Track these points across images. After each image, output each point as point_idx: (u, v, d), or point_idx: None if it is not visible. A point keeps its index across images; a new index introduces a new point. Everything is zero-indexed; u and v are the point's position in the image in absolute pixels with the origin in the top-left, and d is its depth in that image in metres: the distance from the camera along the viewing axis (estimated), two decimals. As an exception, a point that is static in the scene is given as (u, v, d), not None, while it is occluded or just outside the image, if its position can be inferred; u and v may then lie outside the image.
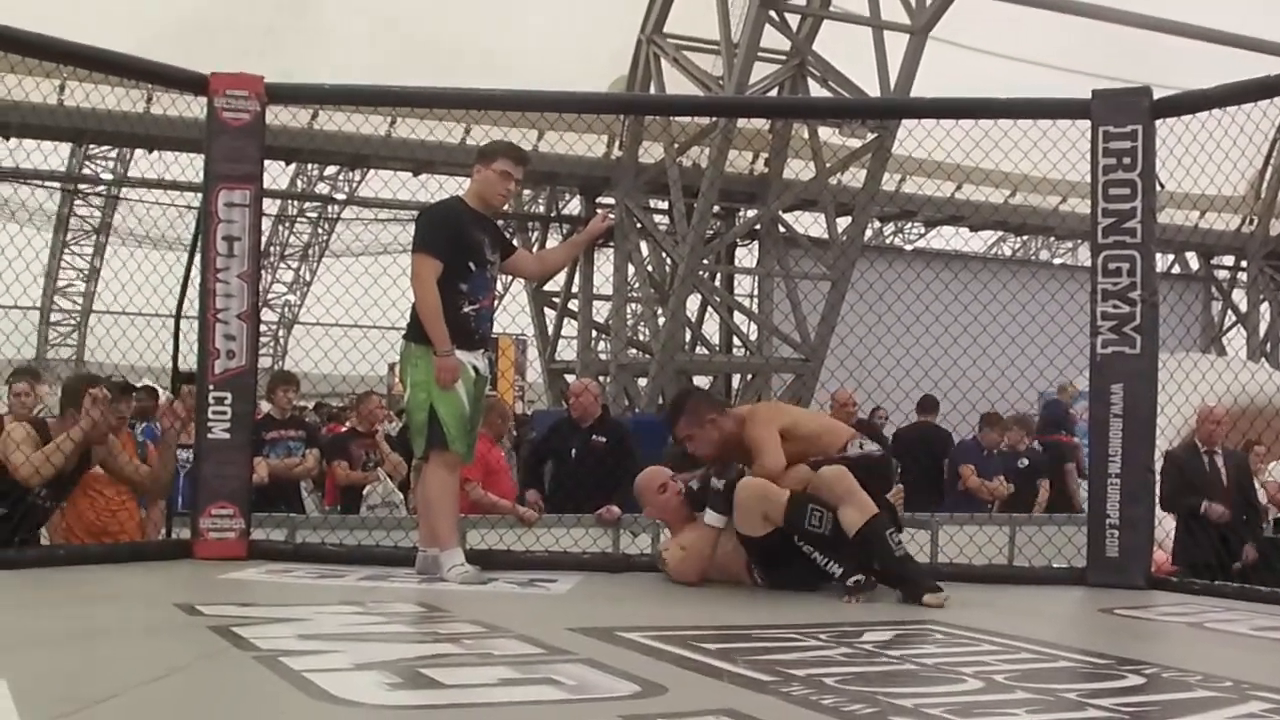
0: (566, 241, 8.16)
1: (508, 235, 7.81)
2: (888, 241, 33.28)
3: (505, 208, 8.45)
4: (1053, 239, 34.90)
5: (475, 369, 7.20)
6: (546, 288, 28.16)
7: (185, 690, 4.08)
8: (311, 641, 4.95)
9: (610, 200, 25.97)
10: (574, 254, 8.27)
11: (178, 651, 4.79)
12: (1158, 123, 7.71)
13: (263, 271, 7.89)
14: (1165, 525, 10.93)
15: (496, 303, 7.88)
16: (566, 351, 28.25)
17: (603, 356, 26.80)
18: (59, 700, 3.76)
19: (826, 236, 25.23)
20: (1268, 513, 12.62)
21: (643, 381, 25.43)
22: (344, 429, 13.20)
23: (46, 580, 6.85)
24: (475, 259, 7.20)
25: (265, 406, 10.84)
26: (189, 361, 8.12)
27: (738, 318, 26.06)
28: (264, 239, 8.22)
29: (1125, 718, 3.99)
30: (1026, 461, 13.87)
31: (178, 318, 8.25)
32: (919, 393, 11.19)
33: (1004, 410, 12.96)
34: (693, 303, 25.56)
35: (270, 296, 34.31)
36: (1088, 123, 7.80)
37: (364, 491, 11.53)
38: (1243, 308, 34.10)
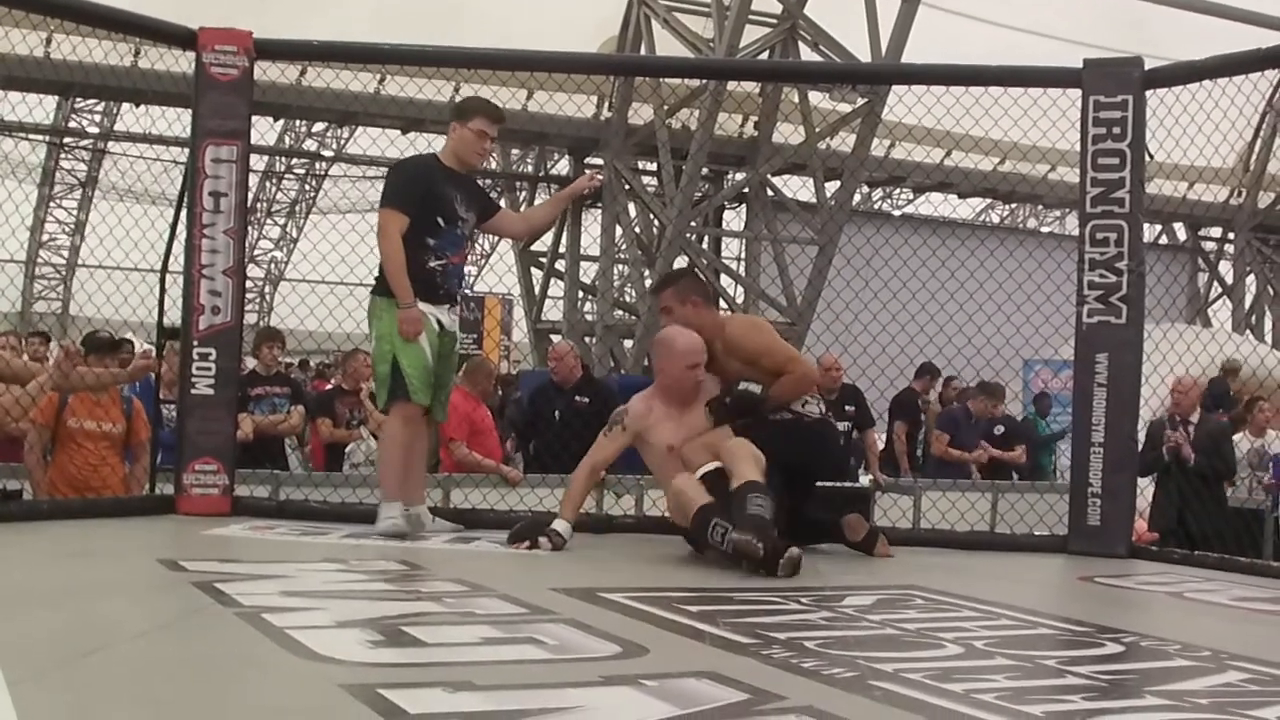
0: (551, 198, 8.15)
1: (489, 194, 7.77)
2: (876, 207, 33.28)
3: (490, 165, 8.44)
4: (1041, 207, 34.94)
5: (440, 323, 7.22)
6: (534, 248, 28.16)
7: (168, 646, 4.08)
8: (294, 598, 4.96)
9: (599, 161, 25.94)
10: (559, 210, 8.27)
11: (161, 607, 4.79)
12: (1148, 93, 7.71)
13: (249, 228, 7.87)
14: (1147, 494, 10.99)
15: (484, 261, 7.89)
16: (553, 311, 28.26)
17: (589, 317, 26.80)
18: (43, 655, 3.76)
19: (815, 201, 25.23)
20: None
21: (628, 343, 25.45)
22: (329, 386, 13.21)
23: (30, 534, 6.84)
24: (445, 215, 7.21)
25: (251, 363, 10.84)
26: (173, 317, 8.11)
27: (725, 281, 26.05)
28: (251, 195, 8.20)
29: (1104, 685, 4.01)
30: (1003, 428, 14.00)
31: (163, 273, 8.24)
32: (904, 359, 11.19)
33: (989, 378, 13.01)
34: (680, 265, 25.55)
35: (256, 253, 34.29)
36: (1078, 92, 7.79)
37: (347, 449, 11.54)
38: (1229, 280, 34.16)
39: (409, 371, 7.09)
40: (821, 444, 7.30)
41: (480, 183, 7.86)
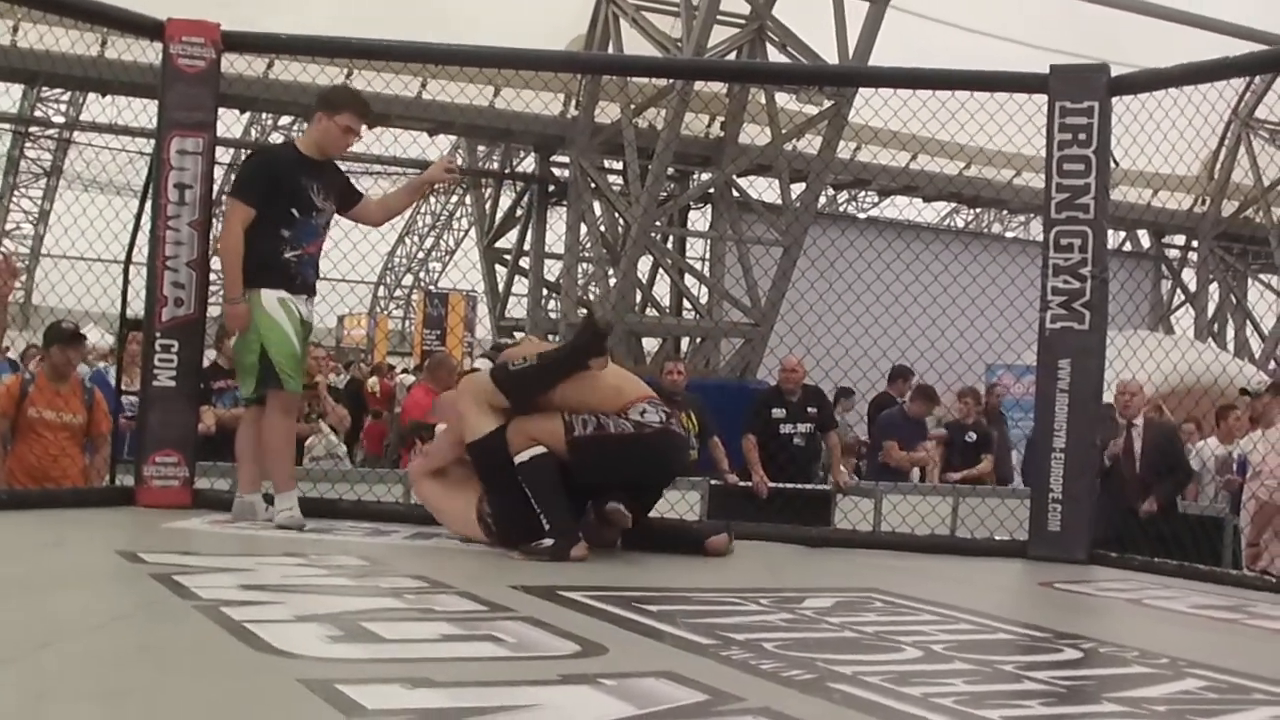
0: (406, 184, 8.14)
1: (350, 181, 7.76)
2: (841, 209, 33.37)
3: (458, 163, 8.43)
4: (1005, 212, 35.08)
5: (299, 311, 7.22)
6: (499, 245, 28.11)
7: (126, 638, 4.07)
8: (253, 592, 4.95)
9: (565, 159, 25.92)
10: (414, 198, 8.25)
11: (119, 599, 4.78)
12: (1114, 100, 7.73)
13: (214, 220, 7.83)
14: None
15: (449, 258, 7.88)
16: (517, 309, 28.21)
17: (553, 315, 26.76)
18: (2, 645, 3.74)
19: (780, 202, 25.23)
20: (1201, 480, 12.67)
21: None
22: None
23: (-13, 524, 6.81)
24: (299, 206, 7.18)
25: (213, 355, 10.78)
26: (136, 308, 8.08)
27: (689, 280, 26.05)
28: (216, 188, 8.16)
29: (1061, 691, 4.03)
30: (974, 435, 13.90)
31: (127, 264, 8.21)
32: (867, 361, 11.22)
33: (951, 381, 13.04)
34: (644, 264, 25.56)
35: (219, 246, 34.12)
36: (1044, 97, 7.80)
37: (307, 443, 11.49)
38: (1192, 287, 34.31)
39: (279, 360, 7.09)
40: (662, 456, 7.05)
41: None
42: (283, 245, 7.13)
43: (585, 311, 6.94)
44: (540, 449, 6.61)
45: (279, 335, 7.07)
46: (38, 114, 30.95)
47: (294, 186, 7.18)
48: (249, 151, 9.24)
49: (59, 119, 31.43)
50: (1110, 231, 8.29)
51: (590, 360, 6.78)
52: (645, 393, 7.01)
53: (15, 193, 36.17)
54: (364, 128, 7.57)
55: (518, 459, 6.61)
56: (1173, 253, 35.18)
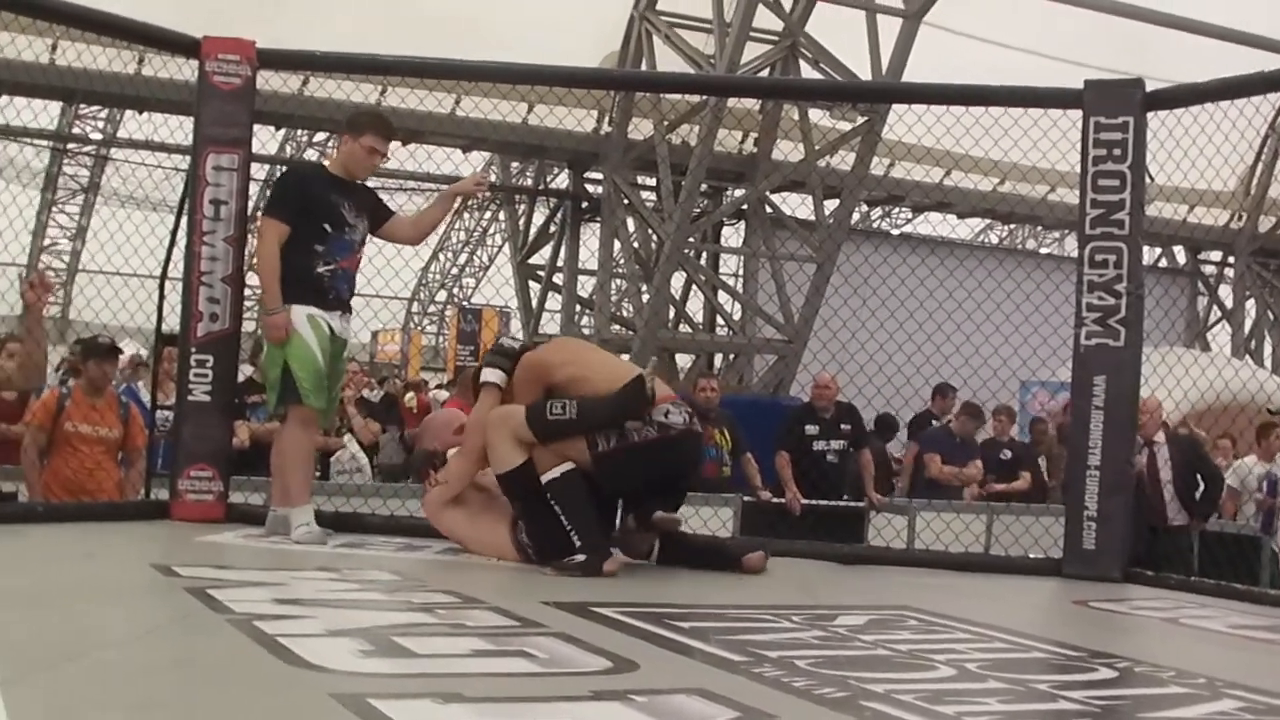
0: (437, 198, 8.20)
1: (381, 200, 7.81)
2: (874, 225, 33.31)
3: (492, 179, 8.44)
4: (1040, 228, 34.97)
5: (331, 327, 7.26)
6: (532, 261, 28.15)
7: (159, 651, 4.07)
8: (286, 606, 4.96)
9: (598, 175, 25.94)
10: (446, 211, 8.29)
11: (153, 612, 4.79)
12: (1149, 115, 7.70)
13: (249, 236, 7.89)
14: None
15: (482, 274, 7.89)
16: (550, 325, 28.23)
17: (586, 331, 26.76)
18: (34, 657, 3.75)
19: (813, 218, 25.21)
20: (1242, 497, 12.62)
21: (625, 357, 25.40)
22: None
23: (24, 537, 6.84)
24: (331, 221, 7.25)
25: (248, 370, 10.81)
26: (172, 323, 8.11)
27: (722, 297, 26.03)
28: (251, 204, 8.20)
29: (1097, 711, 3.99)
30: (1010, 453, 13.82)
31: (162, 279, 8.25)
32: (900, 378, 11.19)
33: (985, 399, 12.99)
34: (677, 280, 25.55)
35: (255, 261, 34.27)
36: (1079, 113, 7.78)
37: (333, 457, 11.53)
38: (1228, 304, 34.11)
39: (299, 374, 7.13)
40: (687, 456, 7.05)
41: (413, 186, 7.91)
42: (316, 260, 7.19)
43: (638, 375, 6.87)
44: (568, 465, 6.61)
45: (303, 351, 7.11)
46: (75, 131, 31.11)
47: (326, 202, 7.25)
48: (281, 169, 9.28)
49: (96, 135, 31.58)
50: (1145, 247, 8.27)
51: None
52: (666, 393, 6.99)
53: (53, 208, 36.34)
54: (391, 147, 7.61)
55: (546, 477, 6.61)
56: (1209, 269, 34.98)
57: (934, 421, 13.99)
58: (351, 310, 7.54)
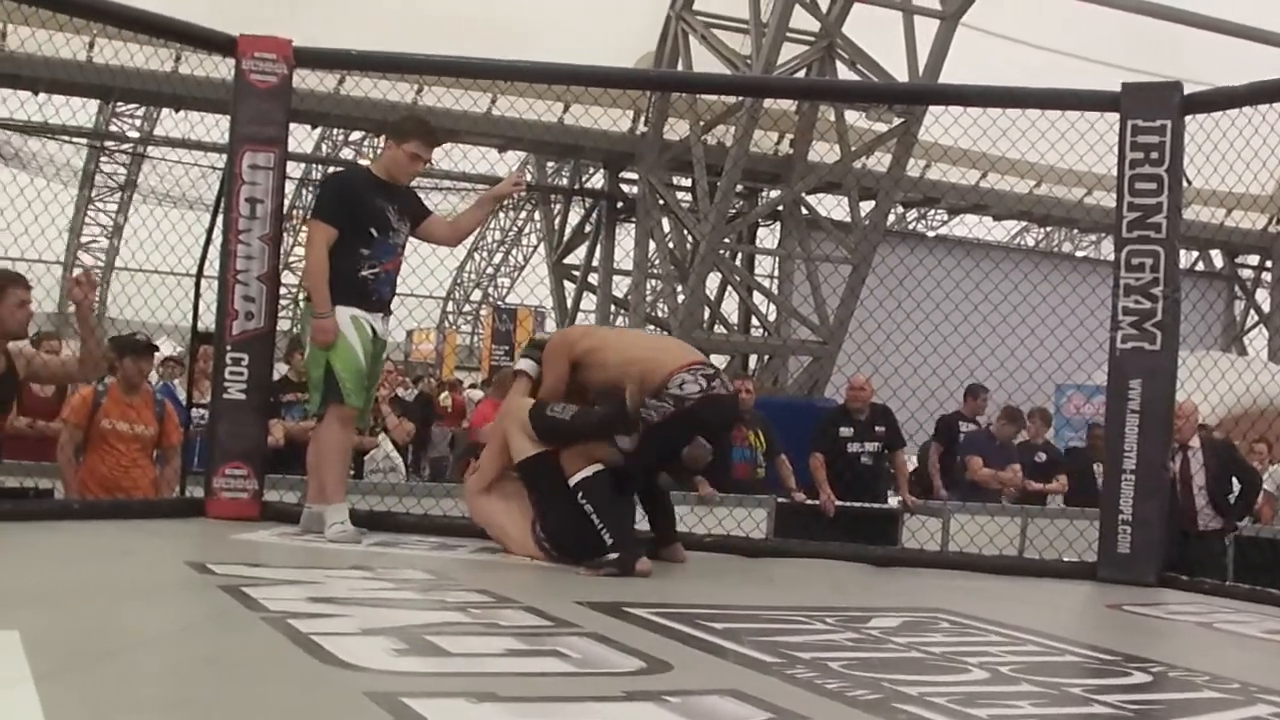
0: (476, 202, 8.29)
1: (422, 202, 7.85)
2: (910, 227, 33.24)
3: (528, 179, 8.47)
4: (1076, 231, 34.84)
5: (373, 329, 7.32)
6: (567, 261, 28.16)
7: (193, 649, 4.09)
8: (321, 605, 4.97)
9: (634, 175, 25.93)
10: (484, 215, 8.36)
11: (188, 610, 4.81)
12: (1187, 118, 7.67)
13: (285, 234, 7.92)
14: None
15: (518, 274, 7.93)
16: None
17: (620, 331, 26.70)
18: (69, 654, 3.77)
19: (849, 220, 25.15)
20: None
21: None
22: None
23: (61, 534, 6.87)
24: (377, 225, 7.32)
25: (283, 369, 10.84)
26: (207, 321, 8.14)
27: (757, 298, 25.98)
28: (287, 202, 8.23)
29: (1130, 715, 3.98)
30: (1045, 456, 13.78)
31: (198, 277, 8.28)
32: (935, 380, 11.17)
33: (1020, 402, 12.95)
34: (712, 281, 25.48)
35: (292, 260, 34.49)
36: (1116, 115, 7.75)
37: (367, 455, 11.56)
38: (1266, 308, 33.92)
39: (342, 374, 7.20)
40: (708, 423, 7.17)
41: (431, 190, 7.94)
42: (361, 263, 7.24)
43: (625, 397, 6.91)
44: (597, 467, 6.65)
45: (346, 352, 7.16)
46: (112, 129, 31.24)
47: (371, 206, 7.30)
48: (325, 171, 9.30)
49: (133, 134, 31.71)
50: (1182, 251, 8.23)
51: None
52: (684, 360, 7.03)
53: (91, 207, 36.53)
54: (432, 153, 7.65)
55: (576, 478, 6.64)
56: (1246, 272, 34.81)
57: (963, 422, 13.92)
58: (391, 312, 7.59)
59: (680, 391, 6.76)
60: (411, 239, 7.69)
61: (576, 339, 7.32)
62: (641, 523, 7.34)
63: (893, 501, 12.32)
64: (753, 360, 26.26)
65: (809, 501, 11.70)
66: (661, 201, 25.09)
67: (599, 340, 7.25)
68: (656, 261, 25.66)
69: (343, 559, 6.52)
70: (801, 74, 23.51)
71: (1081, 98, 8.29)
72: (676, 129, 24.86)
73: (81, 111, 26.66)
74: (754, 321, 26.01)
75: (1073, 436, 19.08)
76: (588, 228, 27.97)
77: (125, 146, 32.39)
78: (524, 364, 7.32)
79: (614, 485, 6.72)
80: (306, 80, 8.72)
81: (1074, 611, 6.96)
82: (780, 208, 25.69)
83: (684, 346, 7.58)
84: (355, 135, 31.39)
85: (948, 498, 12.83)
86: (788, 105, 23.66)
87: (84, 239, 36.82)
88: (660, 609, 5.26)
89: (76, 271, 8.38)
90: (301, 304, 7.47)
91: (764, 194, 26.41)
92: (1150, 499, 7.51)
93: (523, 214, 40.07)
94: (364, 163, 7.37)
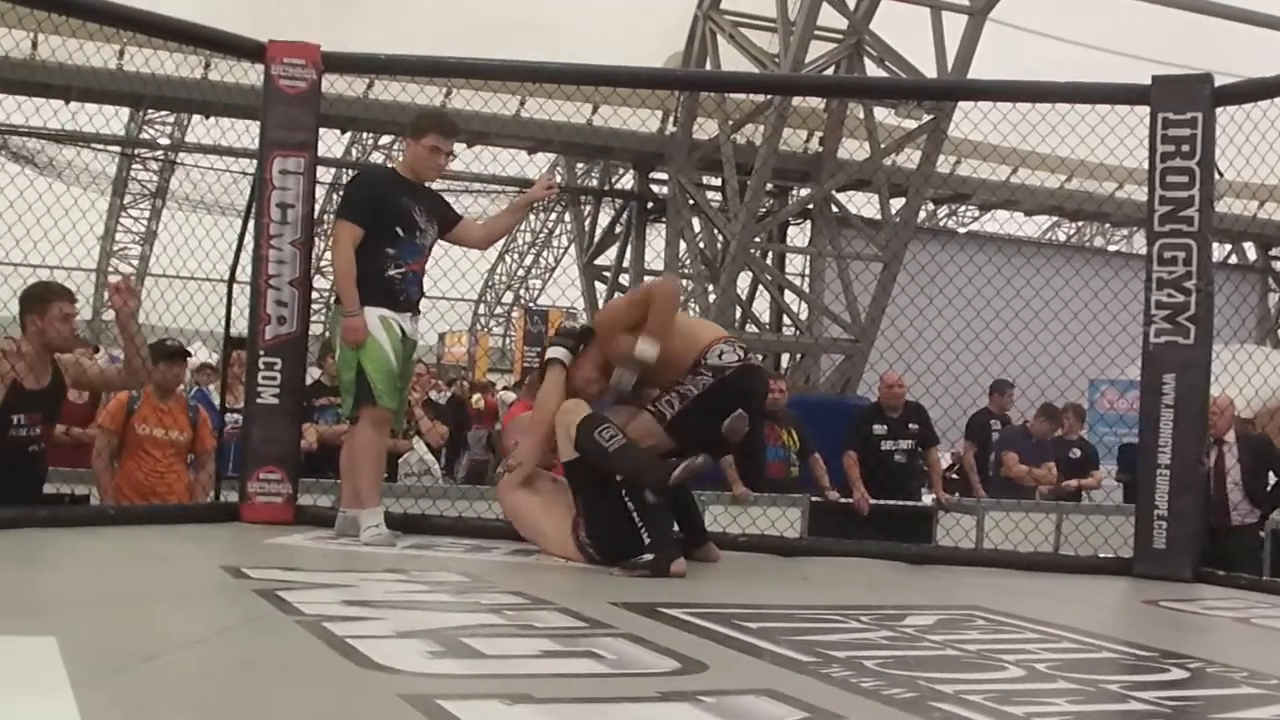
0: (509, 206, 8.34)
1: (450, 205, 7.85)
2: (941, 223, 33.17)
3: (559, 179, 8.47)
4: (1108, 225, 34.72)
5: (402, 329, 7.30)
6: (598, 262, 28.18)
7: (229, 653, 4.10)
8: (355, 608, 4.99)
9: (663, 176, 25.94)
10: (517, 219, 8.41)
11: (223, 613, 4.82)
12: (1218, 110, 7.64)
13: (316, 239, 7.95)
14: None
15: (549, 275, 7.94)
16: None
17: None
18: (106, 658, 3.79)
19: (879, 217, 25.12)
20: None
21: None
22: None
23: (96, 539, 6.90)
24: (403, 225, 7.31)
25: (315, 373, 10.87)
26: (240, 326, 8.16)
27: (788, 296, 25.97)
28: (318, 207, 8.26)
29: (1168, 712, 3.96)
30: (1079, 452, 13.73)
31: (230, 282, 8.30)
32: (968, 377, 11.14)
33: (1054, 398, 12.89)
34: (743, 280, 25.50)
35: (324, 264, 34.57)
36: (1146, 109, 7.72)
37: (401, 459, 11.58)
38: (1300, 301, 33.81)
39: (373, 376, 7.17)
40: (748, 390, 7.11)
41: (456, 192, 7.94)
42: (387, 263, 7.23)
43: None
44: None
45: (377, 353, 7.15)
46: (143, 136, 31.36)
47: (397, 205, 7.30)
48: (352, 173, 9.29)
49: (164, 140, 31.84)
50: (1215, 244, 8.19)
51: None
52: (719, 333, 7.13)
53: (123, 214, 36.68)
54: (455, 146, 7.65)
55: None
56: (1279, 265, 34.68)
57: (992, 420, 13.86)
58: (420, 312, 7.59)
59: (720, 361, 6.84)
60: (442, 243, 7.70)
61: (627, 308, 7.37)
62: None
63: (927, 499, 12.29)
64: (785, 359, 26.25)
65: (843, 500, 11.68)
66: (691, 201, 25.11)
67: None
68: (687, 261, 25.68)
69: (377, 562, 6.53)
70: (830, 71, 23.48)
71: (1111, 91, 8.25)
72: (705, 128, 24.87)
73: (114, 119, 26.81)
74: (785, 320, 25.99)
75: (1106, 432, 19.02)
76: (618, 229, 28.01)
77: (156, 153, 32.51)
78: (558, 352, 7.24)
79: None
80: (335, 85, 8.73)
81: (1110, 608, 6.94)
82: (810, 206, 25.68)
83: (715, 325, 7.63)
84: (385, 139, 31.43)
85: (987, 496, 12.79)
86: (817, 103, 23.67)
87: (117, 246, 36.98)
88: (695, 609, 5.25)
89: (115, 278, 8.37)
90: (332, 307, 7.45)
91: (794, 192, 26.42)
92: (1185, 494, 7.48)
93: (553, 216, 40.11)
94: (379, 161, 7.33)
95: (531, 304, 40.80)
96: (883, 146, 24.32)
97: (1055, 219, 33.84)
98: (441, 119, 7.67)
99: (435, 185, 7.85)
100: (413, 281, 7.40)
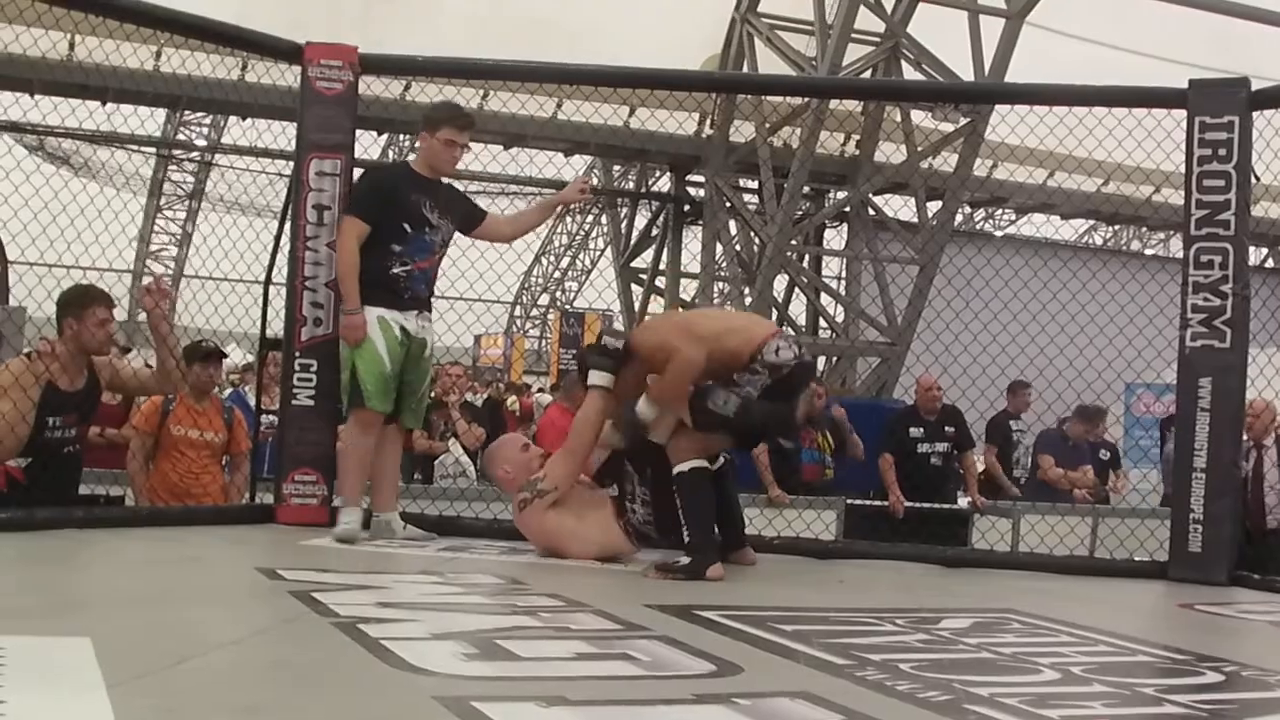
0: (539, 202, 8.34)
1: (472, 200, 7.84)
2: (978, 227, 33.07)
3: (595, 182, 8.48)
4: (1144, 229, 34.57)
5: (404, 329, 7.27)
6: (634, 264, 28.16)
7: (264, 654, 4.12)
8: (390, 609, 5.00)
9: (700, 178, 25.91)
10: (545, 216, 8.39)
11: (259, 615, 4.84)
12: (1255, 114, 7.61)
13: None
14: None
15: (585, 278, 7.93)
16: (652, 328, 28.13)
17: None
18: (141, 659, 3.80)
19: (916, 220, 25.04)
20: None
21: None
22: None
23: (130, 540, 6.94)
24: (411, 221, 7.27)
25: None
26: (276, 328, 8.19)
27: (824, 299, 25.91)
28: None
29: (1203, 715, 3.95)
30: (1108, 453, 13.71)
31: (266, 284, 8.32)
32: (1004, 380, 11.11)
33: (1090, 401, 12.87)
34: (780, 283, 25.41)
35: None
36: (1183, 112, 7.70)
37: (437, 460, 11.61)
38: (1337, 304, 33.59)
39: (364, 378, 7.18)
40: (806, 386, 7.10)
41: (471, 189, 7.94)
42: (392, 260, 7.22)
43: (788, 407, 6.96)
44: (701, 462, 6.67)
45: (370, 355, 7.16)
46: (180, 137, 31.48)
47: (406, 201, 7.28)
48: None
49: (201, 142, 31.95)
50: (1251, 247, 8.15)
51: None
52: (772, 328, 7.15)
53: (159, 215, 36.84)
54: (475, 144, 7.63)
55: (680, 468, 6.64)
56: (1317, 269, 34.50)
57: (1011, 421, 13.81)
58: (431, 309, 7.56)
59: (776, 359, 6.77)
60: (478, 244, 7.70)
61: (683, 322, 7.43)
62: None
63: (962, 502, 12.27)
64: (821, 362, 26.20)
65: (878, 503, 11.68)
66: (728, 204, 25.05)
67: (689, 316, 7.26)
68: (724, 264, 25.63)
69: (411, 564, 6.56)
70: (867, 75, 23.43)
71: (1148, 95, 8.23)
72: (742, 131, 24.82)
73: (150, 120, 26.89)
74: (821, 323, 25.94)
75: (1142, 435, 18.96)
76: (654, 231, 27.96)
77: (193, 155, 32.64)
78: (599, 379, 6.94)
79: (711, 485, 6.75)
80: (372, 87, 8.75)
81: (1145, 611, 6.92)
82: (847, 209, 25.60)
83: (768, 321, 7.63)
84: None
85: (1019, 496, 12.78)
86: (853, 106, 23.58)
87: (153, 247, 37.15)
88: (730, 611, 5.25)
89: (147, 280, 8.42)
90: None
91: (831, 195, 26.33)
92: (1221, 497, 7.45)
93: (589, 218, 40.13)
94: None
95: (568, 306, 40.86)
96: (920, 150, 24.24)
97: (1092, 223, 33.68)
98: (456, 111, 7.65)
99: (471, 188, 7.84)
100: (419, 279, 7.37)
